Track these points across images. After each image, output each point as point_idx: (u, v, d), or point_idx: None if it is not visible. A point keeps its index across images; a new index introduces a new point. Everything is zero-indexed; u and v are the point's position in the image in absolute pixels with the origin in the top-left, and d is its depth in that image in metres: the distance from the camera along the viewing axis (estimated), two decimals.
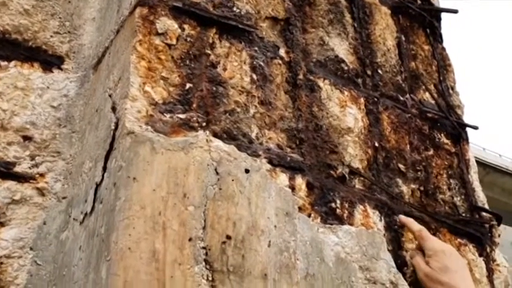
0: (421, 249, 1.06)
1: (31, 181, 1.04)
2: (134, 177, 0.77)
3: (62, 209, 1.01)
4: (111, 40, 1.07)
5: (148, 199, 0.76)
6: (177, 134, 0.86)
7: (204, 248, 0.77)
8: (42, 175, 1.05)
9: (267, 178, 0.90)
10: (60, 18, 1.20)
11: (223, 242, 0.79)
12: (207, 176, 0.82)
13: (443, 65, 1.55)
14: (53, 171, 1.06)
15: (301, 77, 1.13)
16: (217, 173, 0.84)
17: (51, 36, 1.18)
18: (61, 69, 1.16)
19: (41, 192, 1.04)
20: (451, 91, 1.52)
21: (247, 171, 0.88)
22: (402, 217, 1.10)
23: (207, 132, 0.89)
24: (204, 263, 0.76)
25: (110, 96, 0.95)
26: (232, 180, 0.85)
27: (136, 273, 0.70)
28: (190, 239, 0.77)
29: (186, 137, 0.85)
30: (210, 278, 0.76)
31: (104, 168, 0.86)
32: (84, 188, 0.92)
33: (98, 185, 0.86)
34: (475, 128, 1.46)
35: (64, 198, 1.03)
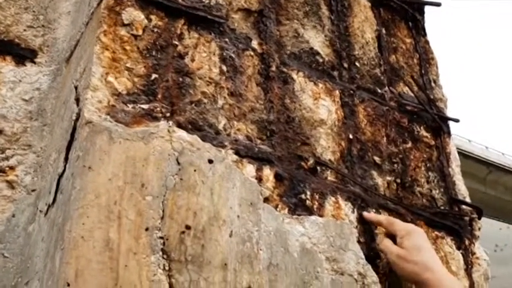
0: (389, 234, 1.05)
1: (1, 174, 1.03)
2: (90, 166, 0.76)
3: (31, 201, 1.01)
4: (82, 33, 1.07)
5: (104, 188, 0.75)
6: (139, 124, 0.85)
7: (161, 237, 0.76)
8: (12, 168, 1.05)
9: (232, 169, 0.89)
10: (34, 12, 1.20)
11: (182, 232, 0.78)
12: (168, 166, 0.82)
13: (425, 58, 1.53)
14: (23, 164, 1.05)
15: (274, 69, 1.12)
16: (178, 163, 0.83)
17: (25, 30, 1.17)
18: (34, 63, 1.16)
19: (11, 185, 1.03)
20: (433, 84, 1.51)
21: (210, 161, 0.87)
22: (365, 214, 1.08)
23: (170, 122, 0.88)
24: (161, 253, 0.76)
25: (75, 88, 0.95)
26: (195, 170, 0.84)
27: (88, 262, 0.69)
28: (147, 229, 0.76)
29: (147, 127, 0.84)
30: (167, 268, 0.75)
31: (66, 159, 0.85)
32: (50, 180, 0.92)
33: (60, 176, 0.86)
34: (456, 120, 1.45)
35: (33, 190, 1.02)
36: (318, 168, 1.08)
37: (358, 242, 1.03)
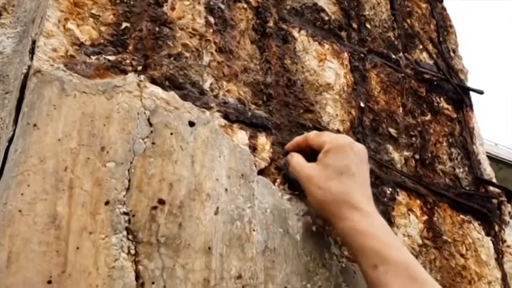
0: (310, 150, 0.73)
1: None
2: (35, 123, 0.59)
3: None
4: None
5: (51, 151, 0.58)
6: (102, 77, 0.69)
7: (126, 213, 0.60)
8: None
9: (219, 134, 0.73)
10: None
11: (154, 208, 0.62)
12: (136, 127, 0.65)
13: (443, 26, 1.36)
14: None
15: (271, 24, 0.95)
16: (150, 124, 0.66)
17: None
18: None
19: None
20: (452, 54, 1.33)
21: (191, 123, 0.70)
22: (287, 146, 0.79)
23: (142, 76, 0.71)
24: (125, 233, 0.59)
25: (33, 41, 0.78)
26: (171, 133, 0.67)
27: (26, 243, 0.53)
28: (107, 203, 0.59)
29: (112, 80, 0.67)
30: (133, 251, 0.58)
31: (15, 121, 0.69)
32: (2, 149, 0.76)
33: (9, 143, 0.69)
34: (480, 92, 1.27)
35: None
36: None
37: None
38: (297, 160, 0.72)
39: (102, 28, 0.75)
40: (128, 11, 0.79)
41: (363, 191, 0.66)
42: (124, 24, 0.77)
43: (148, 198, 0.62)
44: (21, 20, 1.03)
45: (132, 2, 0.80)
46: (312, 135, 0.73)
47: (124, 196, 0.60)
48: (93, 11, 0.76)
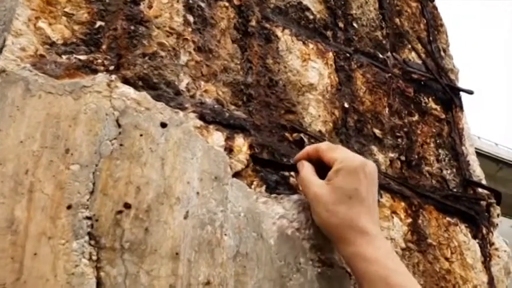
0: (320, 163, 0.69)
1: None
2: None
3: None
4: None
5: (12, 153, 0.56)
6: (71, 77, 0.66)
7: (89, 218, 0.57)
8: None
9: (192, 135, 0.70)
10: None
11: (119, 212, 0.59)
12: (104, 128, 0.62)
13: (433, 25, 1.33)
14: None
15: (253, 23, 0.92)
16: (119, 125, 0.64)
17: None
18: None
19: None
20: (442, 53, 1.30)
21: (163, 125, 0.68)
22: (296, 157, 0.74)
23: (113, 76, 0.69)
24: (87, 238, 0.56)
25: (4, 41, 0.76)
26: (141, 135, 0.65)
27: None
28: (69, 207, 0.56)
29: (80, 80, 0.65)
30: (95, 257, 0.56)
31: None
32: None
33: None
34: (470, 92, 1.24)
35: None
36: (306, 140, 0.88)
37: None
38: (306, 173, 0.69)
39: (76, 27, 0.73)
40: (103, 9, 0.76)
41: (370, 216, 0.63)
42: (98, 23, 0.74)
43: (114, 202, 0.59)
44: (0, 19, 1.01)
45: (107, 1, 0.77)
46: (324, 148, 0.69)
47: (88, 200, 0.58)
48: (66, 10, 0.73)
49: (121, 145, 0.62)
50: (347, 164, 0.65)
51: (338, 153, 0.67)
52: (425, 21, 1.30)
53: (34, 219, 0.54)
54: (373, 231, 0.62)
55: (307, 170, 0.69)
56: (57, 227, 0.55)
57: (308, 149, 0.72)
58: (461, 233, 1.01)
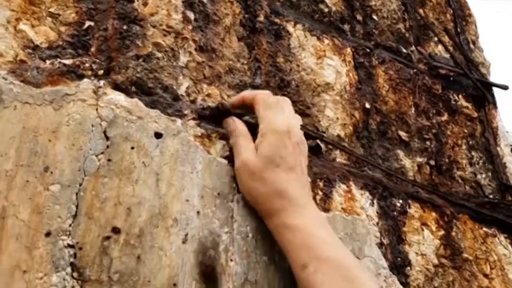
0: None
1: None
2: None
3: None
4: None
5: None
6: (54, 84, 0.59)
7: (71, 246, 0.50)
8: None
9: (191, 146, 0.62)
10: None
11: (107, 238, 0.52)
12: (89, 142, 0.55)
13: (461, 15, 1.23)
14: None
15: (261, 19, 0.84)
16: (106, 138, 0.56)
17: None
18: None
19: None
20: (471, 46, 1.20)
21: (158, 135, 0.60)
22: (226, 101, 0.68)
23: (102, 82, 0.61)
24: (69, 270, 0.49)
25: None
26: (132, 147, 0.57)
27: None
28: (48, 234, 0.49)
29: (62, 87, 0.58)
30: None
31: None
32: None
33: None
34: (505, 87, 1.14)
35: None
36: (323, 146, 0.79)
37: (380, 244, 0.75)
38: (240, 137, 0.63)
39: (62, 28, 0.66)
40: (93, 8, 0.69)
41: (300, 185, 0.58)
42: (87, 23, 0.67)
43: (100, 227, 0.52)
44: None
45: None
46: (260, 100, 0.64)
47: (70, 225, 0.50)
48: (51, 10, 0.66)
49: (109, 160, 0.55)
50: (272, 128, 0.60)
51: (268, 114, 0.61)
52: (451, 11, 1.20)
53: (6, 250, 0.47)
54: (303, 200, 0.57)
55: (239, 131, 0.63)
56: (34, 258, 0.48)
57: (245, 94, 0.64)
58: (501, 245, 0.91)
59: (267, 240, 0.61)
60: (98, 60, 0.65)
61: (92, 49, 0.66)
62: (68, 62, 0.63)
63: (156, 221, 0.55)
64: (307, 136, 0.71)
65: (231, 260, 0.57)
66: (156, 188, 0.56)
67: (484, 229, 0.91)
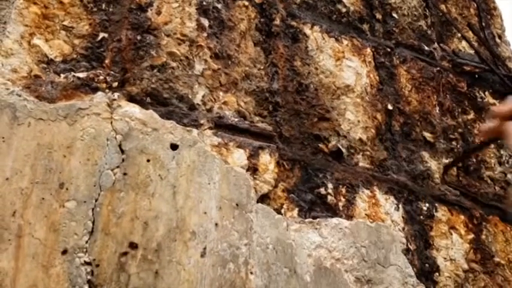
0: None
1: None
2: None
3: None
4: None
5: None
6: (69, 98, 0.59)
7: (88, 263, 0.49)
8: None
9: (208, 156, 0.61)
10: None
11: (124, 254, 0.51)
12: (104, 156, 0.54)
13: (485, 9, 1.18)
14: None
15: (278, 22, 0.82)
16: (122, 151, 0.56)
17: None
18: None
19: None
20: (497, 40, 1.15)
21: (174, 147, 0.59)
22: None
23: (116, 94, 0.61)
24: (87, 287, 0.48)
25: None
26: (148, 160, 0.56)
27: None
28: (64, 251, 0.49)
29: (76, 101, 0.57)
30: None
31: None
32: None
33: None
34: None
35: None
36: (344, 151, 0.77)
37: (406, 250, 0.72)
38: None
39: (76, 41, 0.65)
40: (106, 19, 0.68)
41: None
42: (101, 35, 0.67)
43: (117, 243, 0.51)
44: None
45: (111, 9, 0.69)
46: None
47: (86, 242, 0.50)
48: (65, 23, 0.66)
49: (125, 174, 0.54)
50: None
51: None
52: (475, 5, 1.16)
53: (23, 269, 0.46)
54: None
55: None
56: (51, 276, 0.47)
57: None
58: None
59: (288, 252, 0.59)
60: (112, 72, 0.64)
61: (106, 61, 0.65)
62: (82, 75, 0.62)
63: (173, 235, 0.53)
64: (325, 141, 0.69)
65: (251, 273, 0.55)
66: (173, 201, 0.55)
67: None
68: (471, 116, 0.96)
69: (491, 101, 1.01)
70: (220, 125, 0.67)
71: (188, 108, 0.66)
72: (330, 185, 0.72)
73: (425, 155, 0.86)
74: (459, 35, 1.06)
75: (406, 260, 0.68)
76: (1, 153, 0.50)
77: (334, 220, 0.65)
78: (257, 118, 0.73)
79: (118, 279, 0.49)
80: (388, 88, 0.88)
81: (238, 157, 0.64)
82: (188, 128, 0.62)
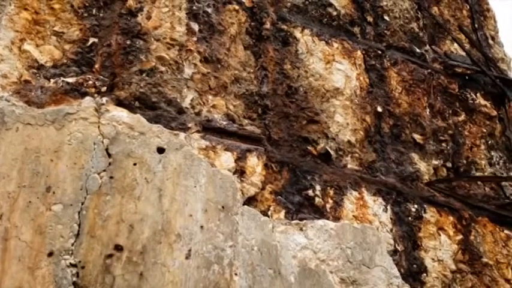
0: None
1: None
2: None
3: None
4: None
5: None
6: (58, 103, 0.60)
7: (74, 265, 0.50)
8: None
9: (194, 159, 0.62)
10: None
11: (109, 256, 0.52)
12: (91, 160, 0.55)
13: (478, 10, 1.19)
14: None
15: (268, 26, 0.83)
16: (108, 155, 0.56)
17: None
18: None
19: None
20: (490, 41, 1.16)
21: (160, 150, 0.60)
22: None
23: (105, 99, 0.62)
24: None
25: None
26: (134, 164, 0.57)
27: None
28: (50, 254, 0.50)
29: (64, 106, 0.58)
30: None
31: None
32: None
33: None
34: None
35: None
36: (333, 153, 0.78)
37: (394, 251, 0.73)
38: None
39: (66, 46, 0.66)
40: (97, 24, 0.69)
41: None
42: (91, 40, 0.68)
43: (103, 245, 0.52)
44: None
45: (101, 14, 0.70)
46: None
47: (72, 244, 0.51)
48: (56, 28, 0.67)
49: (111, 177, 0.55)
50: None
51: None
52: (468, 6, 1.16)
53: (9, 271, 0.47)
54: None
55: None
56: (37, 278, 0.48)
57: None
58: None
59: (272, 253, 0.60)
60: (101, 77, 0.65)
61: (96, 66, 0.66)
62: (71, 80, 0.63)
63: (159, 237, 0.54)
64: (315, 143, 0.70)
65: (236, 274, 0.56)
66: (158, 204, 0.56)
67: (506, 232, 0.87)
68: (462, 117, 0.97)
69: (483, 102, 1.01)
70: (208, 128, 0.68)
71: (176, 112, 0.67)
72: (318, 187, 0.73)
73: (415, 156, 0.86)
74: (451, 36, 1.07)
75: (391, 261, 0.68)
76: None
77: (320, 222, 0.66)
78: (246, 121, 0.73)
79: (103, 281, 0.50)
80: (378, 90, 0.89)
81: (226, 160, 0.65)
82: (175, 132, 0.63)
